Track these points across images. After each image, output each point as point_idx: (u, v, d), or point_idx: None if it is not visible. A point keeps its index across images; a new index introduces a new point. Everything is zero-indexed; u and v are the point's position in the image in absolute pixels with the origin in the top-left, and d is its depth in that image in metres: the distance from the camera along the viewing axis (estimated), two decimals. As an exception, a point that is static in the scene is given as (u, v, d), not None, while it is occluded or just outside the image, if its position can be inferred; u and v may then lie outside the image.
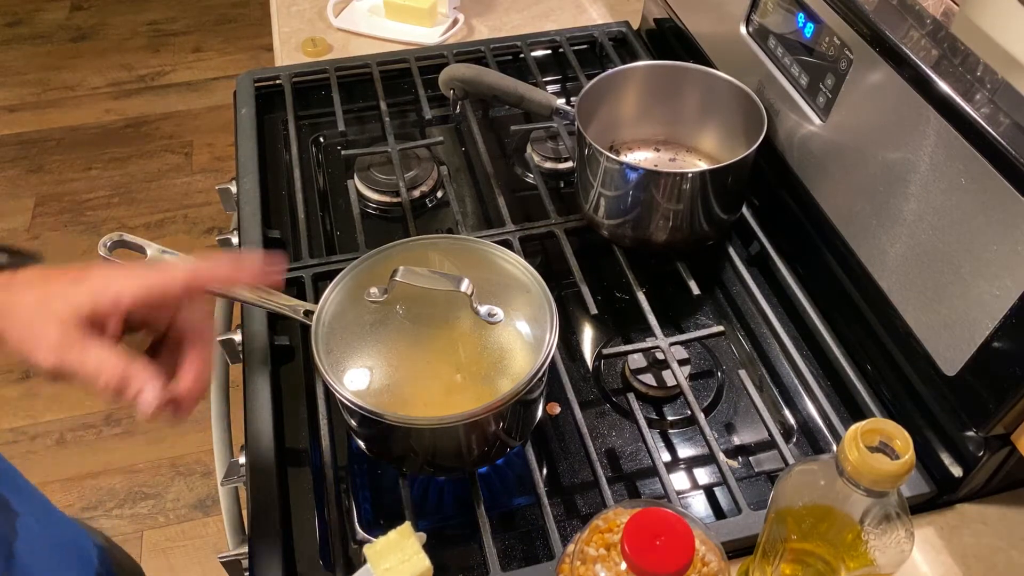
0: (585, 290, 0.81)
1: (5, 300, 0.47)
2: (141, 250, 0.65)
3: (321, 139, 1.05)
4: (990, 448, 0.62)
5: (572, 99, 0.84)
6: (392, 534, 0.50)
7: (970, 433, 0.63)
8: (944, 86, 0.61)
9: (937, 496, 0.67)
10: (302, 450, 0.73)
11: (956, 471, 0.65)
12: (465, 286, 0.62)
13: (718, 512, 0.70)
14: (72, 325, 0.46)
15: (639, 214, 0.80)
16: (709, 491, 0.71)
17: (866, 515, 0.47)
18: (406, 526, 0.51)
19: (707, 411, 0.77)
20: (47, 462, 1.72)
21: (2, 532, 0.56)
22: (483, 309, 0.64)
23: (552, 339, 0.63)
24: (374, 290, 0.66)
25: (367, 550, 0.50)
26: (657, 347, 0.76)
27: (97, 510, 1.65)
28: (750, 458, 0.74)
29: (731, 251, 0.85)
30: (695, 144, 0.91)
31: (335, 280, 0.67)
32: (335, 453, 0.70)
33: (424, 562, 0.49)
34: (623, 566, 0.46)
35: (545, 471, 0.73)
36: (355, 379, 0.61)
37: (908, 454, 0.44)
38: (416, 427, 0.61)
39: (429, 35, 1.16)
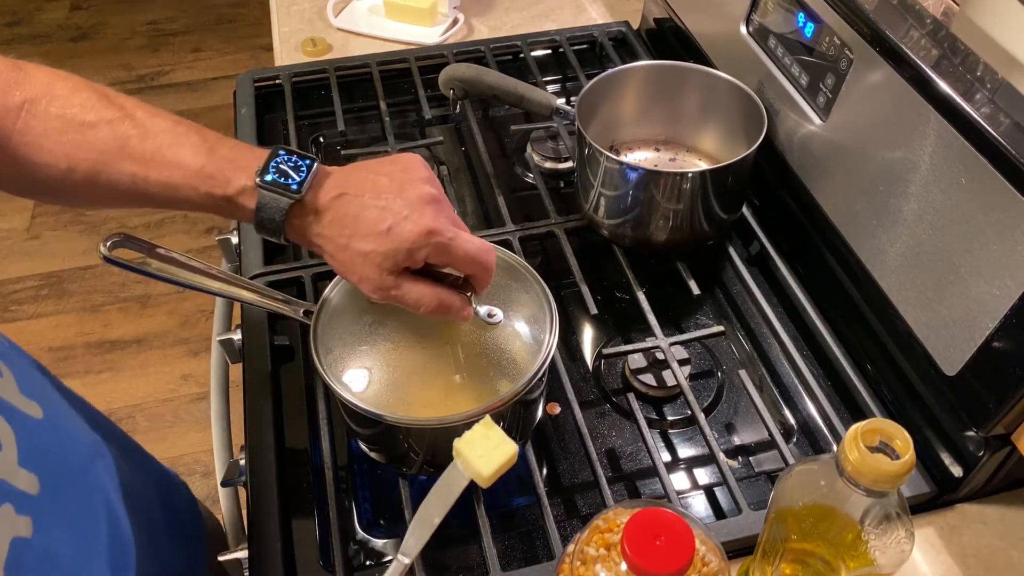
0: (585, 290, 0.81)
1: (323, 233, 0.57)
2: (141, 250, 0.65)
3: (321, 139, 1.05)
4: (990, 448, 0.62)
5: (572, 99, 0.84)
6: (476, 427, 0.53)
7: (970, 433, 0.63)
8: (944, 86, 0.61)
9: (937, 496, 0.67)
10: (302, 450, 0.73)
11: (956, 471, 0.65)
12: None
13: (718, 512, 0.70)
14: (387, 271, 0.56)
15: (639, 214, 0.80)
16: (709, 491, 0.71)
17: (866, 515, 0.47)
18: (487, 418, 0.54)
19: (707, 411, 0.77)
20: (47, 462, 1.72)
21: (101, 483, 0.57)
22: (483, 309, 0.64)
23: (552, 340, 0.63)
24: None
25: (457, 443, 0.52)
26: (657, 347, 0.76)
27: (97, 510, 1.65)
28: (750, 458, 0.74)
29: (731, 251, 0.85)
30: (695, 144, 0.91)
31: (335, 279, 0.67)
32: (335, 453, 0.70)
33: (512, 446, 0.52)
34: (623, 566, 0.46)
35: (545, 471, 0.73)
36: (354, 379, 0.61)
37: (908, 454, 0.44)
38: (416, 427, 0.61)
39: (429, 35, 1.16)
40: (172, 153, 0.55)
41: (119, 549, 0.56)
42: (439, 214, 0.56)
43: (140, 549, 0.58)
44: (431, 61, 1.08)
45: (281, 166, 0.56)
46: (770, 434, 0.70)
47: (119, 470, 0.60)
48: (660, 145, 0.92)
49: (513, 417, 0.65)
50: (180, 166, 0.55)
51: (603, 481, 0.67)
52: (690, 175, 0.77)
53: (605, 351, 0.78)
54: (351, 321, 0.65)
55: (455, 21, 1.18)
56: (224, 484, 0.72)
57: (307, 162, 0.56)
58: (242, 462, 0.70)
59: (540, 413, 0.70)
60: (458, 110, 1.04)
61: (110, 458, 0.60)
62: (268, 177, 0.55)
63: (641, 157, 0.91)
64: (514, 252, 0.72)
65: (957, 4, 0.65)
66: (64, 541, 0.50)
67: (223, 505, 0.75)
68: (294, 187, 0.55)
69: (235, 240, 0.90)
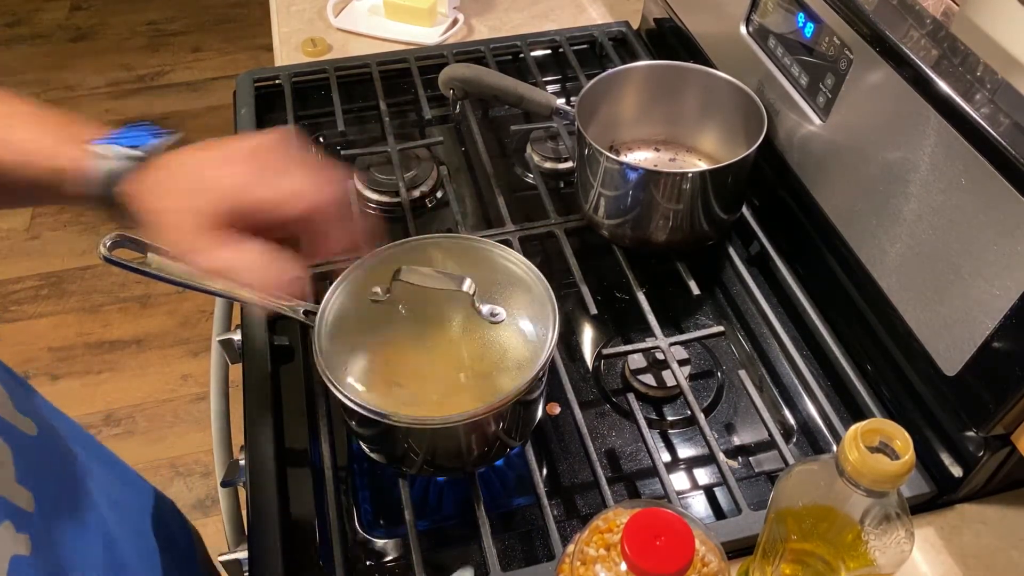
0: (585, 290, 0.81)
1: (147, 205, 0.52)
2: (141, 249, 0.65)
3: (321, 139, 1.05)
4: (990, 448, 0.62)
5: (572, 99, 0.84)
6: None
7: (970, 433, 0.63)
8: (944, 86, 0.61)
9: (937, 496, 0.67)
10: (302, 450, 0.73)
11: (956, 471, 0.65)
12: (467, 285, 0.62)
13: (718, 512, 0.70)
14: (209, 229, 0.50)
15: (639, 214, 0.80)
16: (709, 491, 0.71)
17: (866, 515, 0.47)
18: None
19: (707, 411, 0.77)
20: (47, 462, 1.72)
21: (95, 506, 0.57)
22: (485, 308, 0.64)
23: (553, 337, 0.63)
24: (376, 289, 0.65)
25: None
26: (657, 347, 0.76)
27: (97, 510, 1.65)
28: (750, 458, 0.74)
29: (731, 251, 0.85)
30: (695, 144, 0.91)
31: (338, 280, 0.67)
32: (335, 453, 0.70)
33: None
34: (623, 566, 0.46)
35: (545, 471, 0.73)
36: (356, 379, 0.61)
37: (908, 454, 0.44)
38: (416, 428, 0.61)
39: (429, 35, 1.16)
40: (4, 133, 0.52)
41: (116, 567, 0.56)
42: (251, 164, 0.52)
43: (136, 566, 0.58)
44: (431, 61, 1.08)
45: (121, 138, 0.53)
46: (770, 434, 0.70)
47: (109, 486, 0.60)
48: (660, 145, 0.92)
49: (513, 417, 0.65)
50: (9, 143, 0.52)
51: (603, 481, 0.67)
52: (690, 175, 0.77)
53: (605, 351, 0.78)
54: (353, 321, 0.65)
55: (455, 21, 1.18)
56: (224, 484, 0.72)
57: (146, 133, 0.54)
58: (242, 462, 0.70)
59: (540, 413, 0.70)
60: (458, 110, 1.04)
61: (100, 474, 0.59)
62: (105, 144, 0.53)
63: (641, 157, 0.91)
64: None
65: (957, 4, 0.65)
66: (62, 559, 0.50)
67: (223, 505, 0.75)
68: (130, 153, 0.53)
69: (235, 240, 0.90)
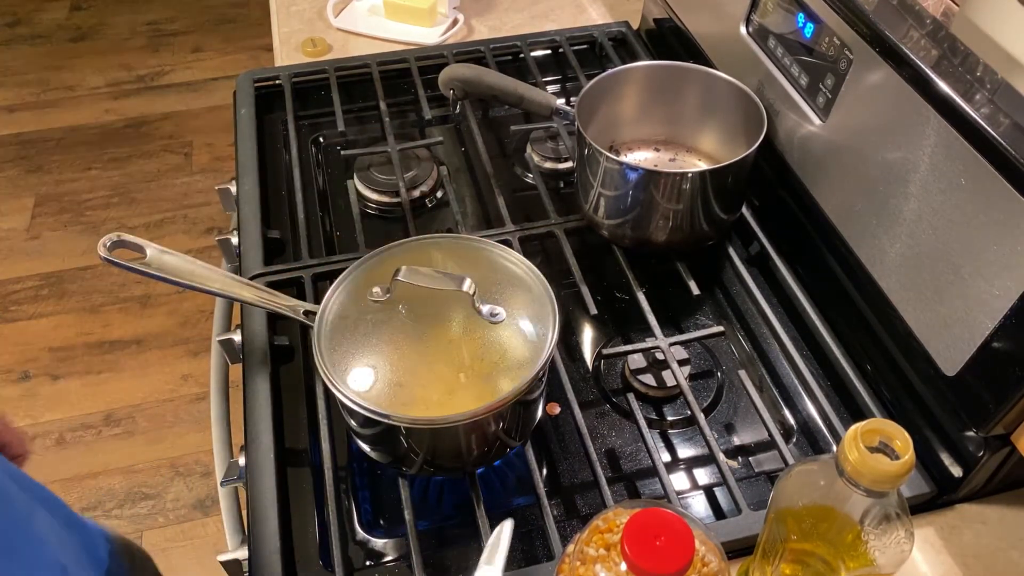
0: (585, 290, 0.81)
1: None
2: (140, 250, 0.65)
3: (321, 139, 1.05)
4: (990, 448, 0.62)
5: (572, 99, 0.84)
6: None
7: (970, 433, 0.63)
8: (944, 86, 0.61)
9: (937, 496, 0.67)
10: (302, 450, 0.73)
11: (956, 471, 0.65)
12: (467, 286, 0.62)
13: (718, 512, 0.70)
14: None
15: (639, 214, 0.80)
16: (709, 491, 0.71)
17: (866, 515, 0.47)
18: None
19: (707, 411, 0.77)
20: (47, 462, 1.72)
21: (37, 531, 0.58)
22: (485, 308, 0.64)
23: (553, 337, 0.63)
24: (376, 290, 0.66)
25: None
26: (657, 347, 0.76)
27: (96, 510, 1.65)
28: (750, 458, 0.74)
29: (731, 251, 0.85)
30: (695, 144, 0.91)
31: (338, 280, 0.67)
32: (335, 453, 0.70)
33: None
34: (623, 566, 0.46)
35: (545, 471, 0.73)
36: (356, 379, 0.61)
37: (908, 454, 0.44)
38: (416, 428, 0.61)
39: (429, 35, 1.16)
40: None
41: None
42: None
43: None
44: (431, 61, 1.08)
45: None
46: (770, 434, 0.70)
47: (51, 523, 0.60)
48: (660, 145, 0.92)
49: (513, 417, 0.65)
50: None
51: (603, 481, 0.67)
52: (690, 175, 0.77)
53: (605, 351, 0.78)
54: (353, 321, 0.65)
55: (455, 21, 1.18)
56: (224, 484, 0.72)
57: None
58: (242, 462, 0.70)
59: (540, 413, 0.70)
60: (458, 110, 1.04)
61: (42, 512, 0.60)
62: None
63: (641, 157, 0.91)
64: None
65: (957, 4, 0.65)
66: None
67: (223, 505, 0.75)
68: None
69: (235, 241, 0.90)
